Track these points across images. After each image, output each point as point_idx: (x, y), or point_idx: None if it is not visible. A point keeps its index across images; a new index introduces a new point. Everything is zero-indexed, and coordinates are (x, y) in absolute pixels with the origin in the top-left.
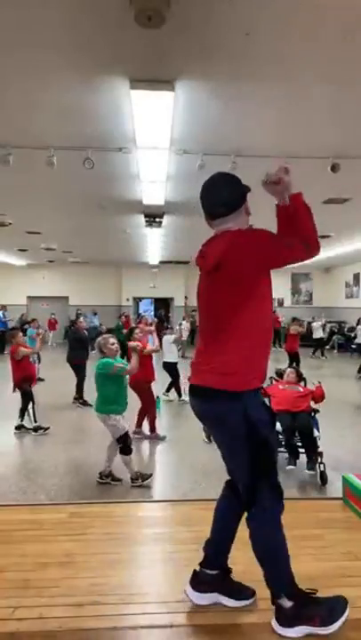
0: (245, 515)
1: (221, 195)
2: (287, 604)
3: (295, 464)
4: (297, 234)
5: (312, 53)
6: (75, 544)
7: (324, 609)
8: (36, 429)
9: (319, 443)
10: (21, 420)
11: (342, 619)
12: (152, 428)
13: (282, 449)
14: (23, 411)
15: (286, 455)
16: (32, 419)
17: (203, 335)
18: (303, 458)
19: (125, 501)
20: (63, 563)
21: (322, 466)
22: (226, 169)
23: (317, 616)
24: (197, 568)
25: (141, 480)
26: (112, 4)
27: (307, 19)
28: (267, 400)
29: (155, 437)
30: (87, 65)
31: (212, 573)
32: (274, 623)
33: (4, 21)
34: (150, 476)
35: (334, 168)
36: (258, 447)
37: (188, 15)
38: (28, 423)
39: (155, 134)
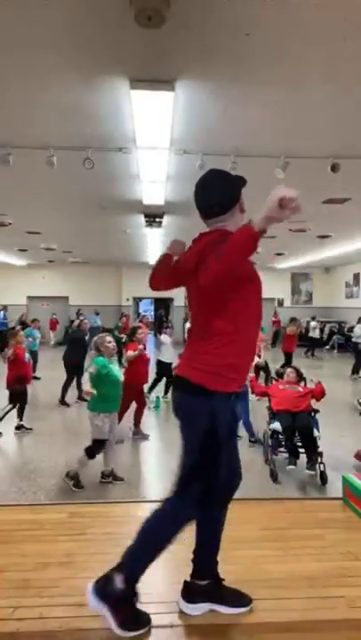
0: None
1: (215, 194)
2: (119, 584)
3: (295, 464)
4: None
5: (312, 53)
6: (75, 544)
7: (132, 614)
8: (16, 424)
9: (319, 443)
10: (20, 420)
11: (137, 632)
12: (136, 424)
13: (282, 449)
14: (21, 411)
15: (286, 455)
16: (4, 415)
17: (192, 332)
18: (303, 458)
19: (125, 501)
20: (63, 563)
21: (322, 466)
22: (226, 169)
23: (123, 615)
24: (188, 579)
25: (73, 484)
26: (112, 4)
27: (307, 19)
28: (266, 400)
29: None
30: (87, 65)
31: (203, 584)
32: (90, 586)
33: (4, 21)
34: (82, 488)
35: (334, 168)
36: (210, 448)
37: (188, 15)
38: (26, 423)
39: (155, 134)
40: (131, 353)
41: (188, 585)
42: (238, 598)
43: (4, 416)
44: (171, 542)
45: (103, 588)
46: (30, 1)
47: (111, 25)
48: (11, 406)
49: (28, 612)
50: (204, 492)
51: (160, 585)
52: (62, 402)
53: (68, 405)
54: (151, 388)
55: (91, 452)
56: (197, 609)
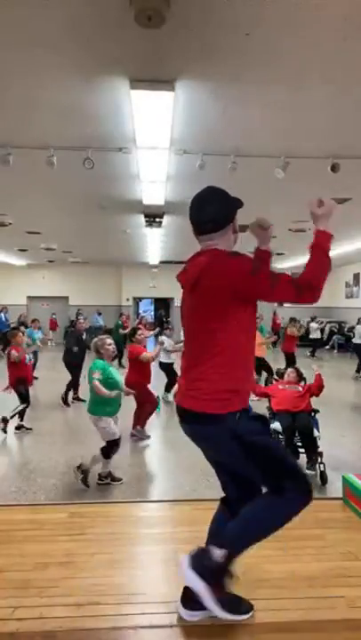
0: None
1: (209, 211)
2: (218, 557)
3: None
4: (302, 273)
5: (312, 53)
6: (75, 544)
7: (231, 597)
8: (3, 420)
9: (319, 443)
10: (21, 420)
11: (238, 617)
12: (142, 424)
13: None
14: (22, 411)
15: None
16: (12, 413)
17: (186, 354)
18: (303, 458)
19: (125, 501)
20: (63, 563)
21: (322, 466)
22: (226, 169)
23: (221, 593)
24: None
25: (81, 479)
26: (112, 4)
27: (307, 19)
28: (266, 400)
29: (139, 434)
30: (87, 65)
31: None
32: (186, 558)
33: (3, 21)
34: (87, 486)
35: (334, 168)
36: (259, 454)
37: (188, 15)
38: (8, 415)
39: (155, 134)
40: (146, 354)
41: (188, 592)
42: (238, 606)
43: (14, 415)
44: (280, 527)
45: (201, 562)
46: (30, 0)
47: (111, 25)
48: (24, 405)
49: (28, 611)
50: (295, 482)
51: (160, 585)
52: (64, 401)
53: (68, 405)
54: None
55: (106, 452)
56: (196, 616)
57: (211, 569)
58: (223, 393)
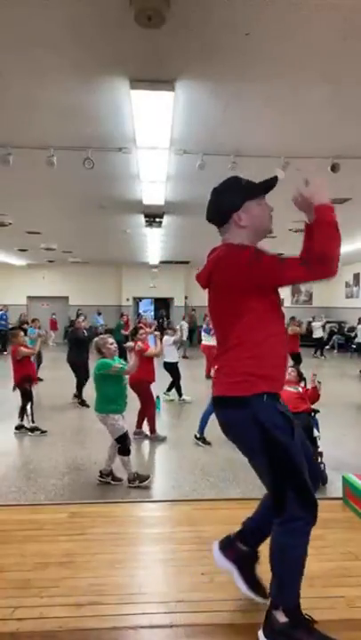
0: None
1: (209, 208)
2: (281, 618)
3: None
4: (308, 250)
5: (312, 53)
6: (75, 544)
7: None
8: (32, 430)
9: (319, 443)
10: (21, 420)
11: None
12: (152, 429)
13: None
14: (22, 411)
15: None
16: (30, 419)
17: (217, 344)
18: None
19: (125, 501)
20: (63, 563)
21: (322, 466)
22: (226, 169)
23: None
24: (232, 535)
25: (139, 482)
26: (112, 4)
27: (307, 19)
28: None
29: (155, 438)
30: (87, 65)
31: (241, 548)
32: (260, 634)
33: (3, 21)
34: (148, 477)
35: (334, 168)
36: (275, 452)
37: (188, 15)
38: (26, 423)
39: (155, 134)
40: (151, 350)
41: (230, 539)
42: (259, 586)
43: (32, 414)
44: (306, 554)
45: (272, 631)
46: (30, 0)
47: (111, 25)
48: (30, 404)
49: (28, 611)
50: (299, 495)
51: (160, 585)
52: (81, 402)
53: (85, 405)
54: (177, 391)
55: (123, 449)
56: (225, 564)
57: (285, 632)
58: (247, 375)
